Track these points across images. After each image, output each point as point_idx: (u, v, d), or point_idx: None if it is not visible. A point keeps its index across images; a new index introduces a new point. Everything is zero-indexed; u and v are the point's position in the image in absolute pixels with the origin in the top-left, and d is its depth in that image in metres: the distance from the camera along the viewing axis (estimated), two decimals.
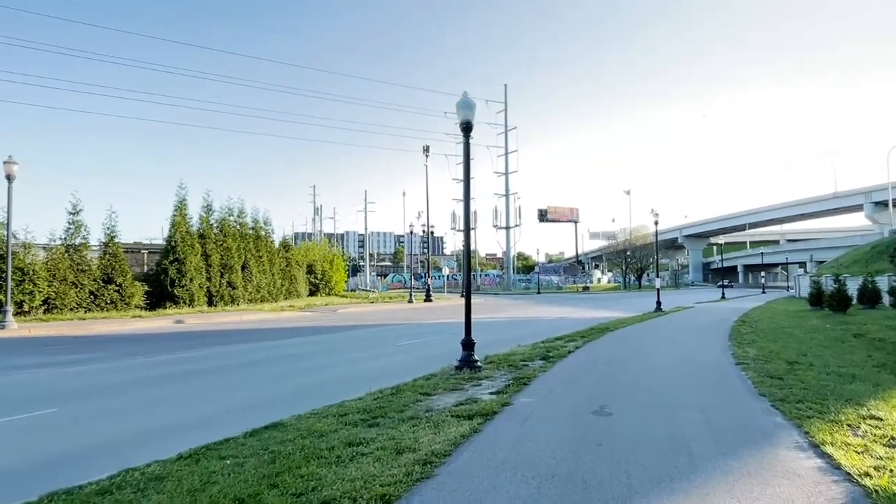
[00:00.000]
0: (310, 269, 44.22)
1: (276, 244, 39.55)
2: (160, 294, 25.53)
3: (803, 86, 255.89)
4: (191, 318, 21.27)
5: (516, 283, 76.07)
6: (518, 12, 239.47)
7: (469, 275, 9.88)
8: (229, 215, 31.89)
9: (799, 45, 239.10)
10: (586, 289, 73.22)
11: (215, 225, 30.39)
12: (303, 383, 9.07)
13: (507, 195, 67.06)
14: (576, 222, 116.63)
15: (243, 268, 31.46)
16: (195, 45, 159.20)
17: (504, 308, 31.60)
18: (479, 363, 9.28)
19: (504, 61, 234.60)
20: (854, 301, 23.31)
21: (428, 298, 35.43)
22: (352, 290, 59.97)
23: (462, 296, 45.99)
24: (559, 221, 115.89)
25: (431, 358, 11.16)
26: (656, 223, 25.98)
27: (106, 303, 21.90)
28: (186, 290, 25.91)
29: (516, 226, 67.70)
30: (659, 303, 25.33)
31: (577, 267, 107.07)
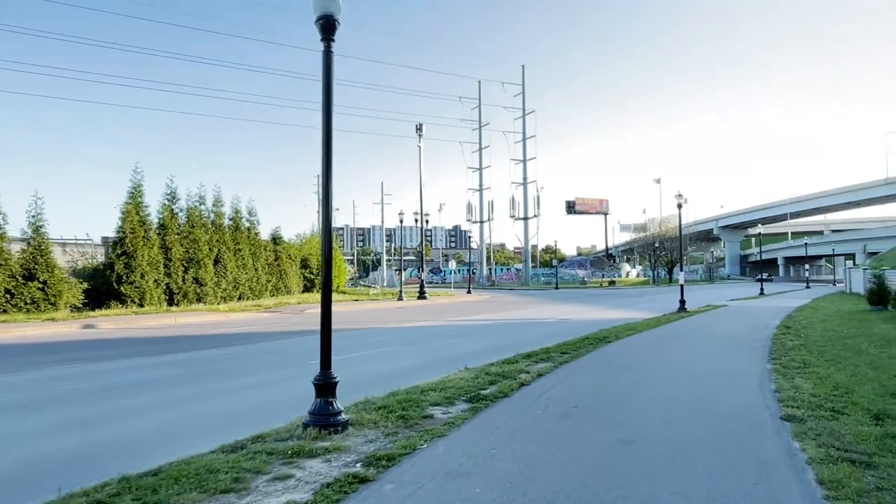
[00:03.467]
0: (305, 264, 41.15)
1: (265, 237, 36.67)
2: (105, 292, 22.53)
3: (848, 65, 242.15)
4: (112, 321, 18.09)
5: (538, 277, 71.71)
6: None
7: (329, 271, 6.17)
8: (200, 204, 28.81)
9: (843, 20, 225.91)
10: (612, 283, 68.60)
11: (181, 214, 27.33)
12: (29, 453, 5.52)
13: (524, 183, 62.75)
14: (605, 214, 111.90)
15: (216, 262, 28.40)
16: (202, 29, 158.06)
17: (504, 307, 27.74)
18: (340, 417, 5.56)
19: (528, 50, 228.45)
20: None
21: (421, 296, 31.63)
22: (361, 286, 56.85)
23: (468, 292, 42.37)
24: (588, 213, 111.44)
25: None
26: (679, 206, 21.69)
27: (26, 302, 18.90)
28: (136, 288, 22.82)
29: (535, 216, 63.42)
30: (683, 301, 21.10)
31: (604, 260, 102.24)
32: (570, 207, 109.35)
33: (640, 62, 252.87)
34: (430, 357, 11.41)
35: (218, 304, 27.08)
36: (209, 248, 27.87)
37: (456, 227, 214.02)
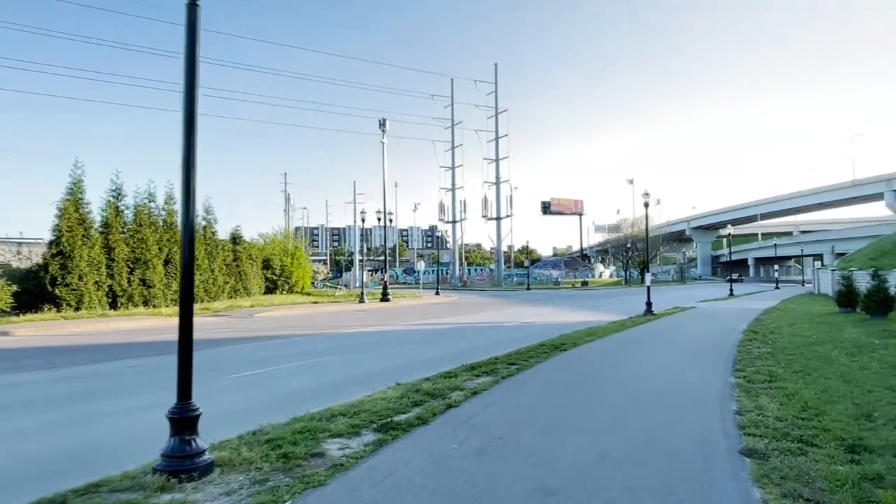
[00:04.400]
0: (267, 265, 39.67)
1: (225, 237, 35.35)
2: (39, 295, 20.96)
3: (823, 69, 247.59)
4: (34, 327, 16.61)
5: (511, 277, 71.15)
6: None
7: (187, 278, 4.99)
8: (150, 201, 27.20)
9: (818, 27, 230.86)
10: (585, 284, 68.30)
11: (128, 212, 25.78)
12: None
13: (497, 182, 61.94)
14: (580, 215, 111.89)
15: (167, 263, 26.88)
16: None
17: (469, 309, 26.77)
18: (201, 459, 4.44)
19: (502, 52, 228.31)
20: None
21: (384, 298, 30.43)
22: (328, 287, 55.40)
23: (436, 293, 41.27)
24: (563, 214, 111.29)
25: (233, 414, 6.51)
26: (646, 204, 20.96)
27: None
28: (72, 290, 21.26)
29: (508, 216, 62.64)
30: (649, 304, 20.35)
31: (578, 261, 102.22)
32: (546, 208, 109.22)
33: (614, 64, 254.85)
34: (367, 368, 10.33)
35: (167, 306, 25.65)
36: (159, 248, 26.37)
37: (433, 228, 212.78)
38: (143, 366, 10.70)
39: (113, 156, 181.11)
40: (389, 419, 5.87)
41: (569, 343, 12.18)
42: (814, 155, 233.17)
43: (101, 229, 24.10)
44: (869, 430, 5.34)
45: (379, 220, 32.95)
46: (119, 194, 25.53)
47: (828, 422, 5.57)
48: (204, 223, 32.08)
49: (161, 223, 27.64)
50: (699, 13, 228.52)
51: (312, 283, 55.01)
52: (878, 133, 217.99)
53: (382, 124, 28.86)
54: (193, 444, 4.47)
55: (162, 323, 19.12)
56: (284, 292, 40.10)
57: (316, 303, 29.10)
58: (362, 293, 30.25)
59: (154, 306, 24.97)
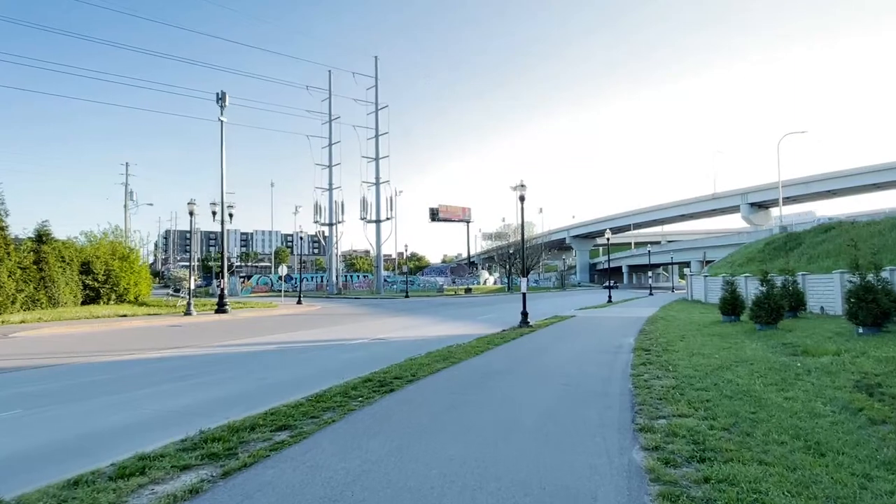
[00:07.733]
0: (87, 270, 32.38)
1: (25, 234, 28.39)
2: None
3: (693, 86, 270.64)
4: None
5: (394, 285, 67.49)
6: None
7: None
8: None
9: (685, 46, 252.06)
10: (468, 291, 66.23)
11: None
12: None
13: (377, 183, 57.91)
14: (468, 222, 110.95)
15: None
16: None
17: (323, 322, 22.48)
18: None
19: (391, 56, 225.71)
20: None
21: (220, 309, 25.10)
22: (170, 297, 48.20)
23: (298, 302, 36.34)
24: (451, 221, 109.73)
25: None
26: (522, 198, 17.93)
27: None
28: None
29: (388, 219, 58.84)
30: (525, 314, 17.33)
31: (464, 268, 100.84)
32: (434, 215, 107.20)
33: (503, 72, 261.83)
34: (35, 440, 5.90)
35: None
36: None
37: (320, 233, 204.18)
38: None
39: None
40: None
41: (407, 375, 8.51)
42: (683, 167, 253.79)
43: None
44: None
45: (212, 214, 27.57)
46: None
47: None
48: None
49: None
50: (577, 27, 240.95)
51: (176, 292, 47.61)
52: (736, 149, 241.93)
53: (221, 98, 23.69)
54: None
55: None
56: (111, 302, 33.08)
57: (125, 316, 23.18)
58: (189, 304, 24.65)
59: None
